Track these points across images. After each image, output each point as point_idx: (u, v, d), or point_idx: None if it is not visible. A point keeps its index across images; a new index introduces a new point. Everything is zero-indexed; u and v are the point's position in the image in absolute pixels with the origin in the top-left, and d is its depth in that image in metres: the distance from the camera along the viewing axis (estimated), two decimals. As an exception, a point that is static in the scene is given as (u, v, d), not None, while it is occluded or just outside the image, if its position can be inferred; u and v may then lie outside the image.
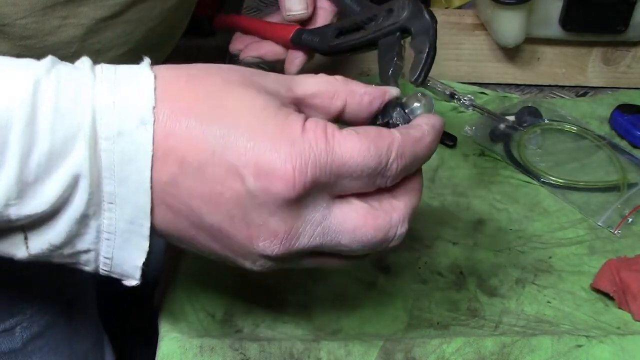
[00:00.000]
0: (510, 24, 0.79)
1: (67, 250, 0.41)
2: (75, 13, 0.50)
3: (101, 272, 0.42)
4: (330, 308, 0.59)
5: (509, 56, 0.85)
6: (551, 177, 0.72)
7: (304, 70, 0.70)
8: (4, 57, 0.39)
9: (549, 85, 0.87)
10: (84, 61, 0.40)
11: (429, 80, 0.83)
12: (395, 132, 0.42)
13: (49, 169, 0.37)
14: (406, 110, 0.46)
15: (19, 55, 0.50)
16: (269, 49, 0.70)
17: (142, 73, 0.40)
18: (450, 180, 0.72)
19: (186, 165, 0.39)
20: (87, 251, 0.41)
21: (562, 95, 0.86)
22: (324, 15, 0.68)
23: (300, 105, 0.43)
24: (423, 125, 0.44)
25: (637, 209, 0.68)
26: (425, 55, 0.53)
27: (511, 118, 0.78)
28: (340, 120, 0.45)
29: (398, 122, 0.46)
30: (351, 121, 0.46)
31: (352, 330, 0.57)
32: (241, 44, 0.72)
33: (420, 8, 0.55)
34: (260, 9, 0.96)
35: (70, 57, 0.52)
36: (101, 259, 0.41)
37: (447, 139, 0.76)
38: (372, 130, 0.41)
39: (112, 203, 0.39)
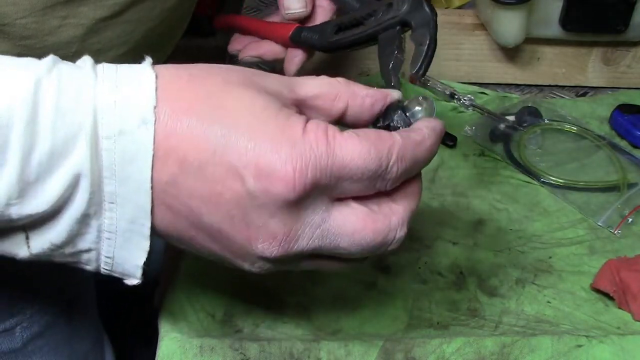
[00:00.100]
0: (510, 24, 0.79)
1: (68, 250, 0.41)
2: (75, 13, 0.50)
3: (102, 271, 0.42)
4: (330, 308, 0.59)
5: (509, 56, 0.85)
6: (551, 177, 0.72)
7: (304, 69, 0.70)
8: (5, 57, 0.39)
9: (549, 85, 0.87)
10: (85, 60, 0.40)
11: (428, 80, 0.83)
12: (396, 135, 0.42)
13: (50, 168, 0.37)
14: (407, 114, 0.46)
15: (19, 55, 0.50)
16: (268, 49, 0.70)
17: (144, 72, 0.40)
18: (450, 181, 0.72)
19: (187, 165, 0.39)
20: (88, 250, 0.41)
21: (562, 95, 0.86)
22: (323, 14, 0.68)
23: (301, 107, 0.43)
24: (424, 129, 0.44)
25: (637, 209, 0.68)
26: (426, 47, 0.53)
27: (511, 118, 0.78)
28: (342, 122, 0.45)
29: (399, 125, 0.46)
30: (352, 123, 0.46)
31: (352, 330, 0.57)
32: (240, 44, 0.72)
33: (420, 1, 0.55)
34: (260, 8, 0.96)
35: (70, 57, 0.52)
36: (102, 258, 0.42)
37: (447, 139, 0.76)
38: (372, 132, 0.41)
39: (113, 203, 0.39)
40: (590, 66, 0.85)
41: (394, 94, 0.46)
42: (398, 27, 0.56)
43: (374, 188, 0.42)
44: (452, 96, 0.81)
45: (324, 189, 0.40)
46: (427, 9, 0.54)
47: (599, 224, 0.68)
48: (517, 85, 0.87)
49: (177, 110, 0.39)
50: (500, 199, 0.71)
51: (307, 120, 0.40)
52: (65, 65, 0.39)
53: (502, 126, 0.77)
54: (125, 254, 0.41)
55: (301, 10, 0.66)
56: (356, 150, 0.40)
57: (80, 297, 0.75)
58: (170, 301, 0.58)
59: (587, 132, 0.77)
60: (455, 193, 0.71)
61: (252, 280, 0.56)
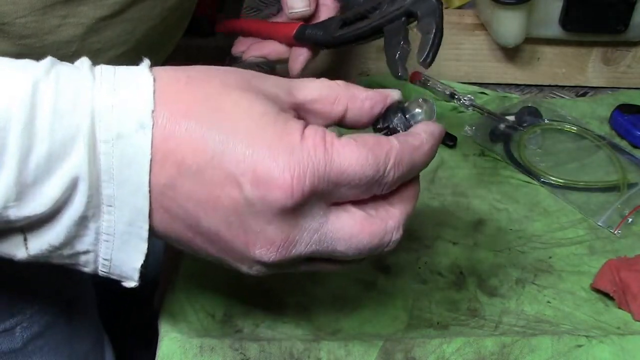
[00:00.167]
0: (510, 24, 0.79)
1: (66, 251, 0.41)
2: (75, 12, 0.50)
3: (100, 273, 0.43)
4: (330, 308, 0.59)
5: (509, 56, 0.85)
6: (551, 177, 0.72)
7: (308, 68, 0.69)
8: (3, 58, 0.39)
9: (549, 85, 0.87)
10: (83, 61, 0.40)
11: (428, 80, 0.83)
12: (393, 141, 0.42)
13: (48, 171, 0.37)
14: (407, 116, 0.46)
15: (18, 54, 0.50)
16: (272, 48, 0.70)
17: (141, 75, 0.40)
18: (450, 180, 0.72)
19: (185, 168, 0.39)
20: (86, 252, 0.41)
21: (562, 95, 0.86)
22: (327, 12, 0.67)
23: (300, 111, 0.43)
24: (422, 134, 0.44)
25: (637, 209, 0.68)
26: (432, 35, 0.53)
27: (511, 118, 0.78)
28: (341, 124, 0.45)
29: (399, 128, 0.46)
30: (352, 125, 0.46)
31: (352, 330, 0.57)
32: (243, 45, 0.72)
33: None
34: (260, 8, 0.96)
35: (70, 56, 0.52)
36: (100, 260, 0.42)
37: (447, 139, 0.76)
38: (370, 138, 0.41)
39: (110, 206, 0.39)
40: (590, 66, 0.85)
41: (394, 95, 0.46)
42: (403, 18, 0.56)
43: (371, 192, 0.42)
44: (452, 96, 0.81)
45: (321, 195, 0.40)
46: None
47: (599, 224, 0.68)
48: (517, 85, 0.87)
49: (175, 113, 0.39)
50: (500, 199, 0.71)
51: (305, 126, 0.40)
52: (63, 67, 0.39)
53: (502, 126, 0.77)
54: (123, 256, 0.41)
55: (305, 9, 0.66)
56: (354, 157, 0.40)
57: (79, 297, 0.75)
58: (170, 301, 0.58)
59: (587, 132, 0.77)
60: (455, 193, 0.71)
61: (251, 280, 0.56)
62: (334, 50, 0.84)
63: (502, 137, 0.77)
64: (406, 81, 0.54)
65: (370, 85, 0.83)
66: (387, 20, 0.57)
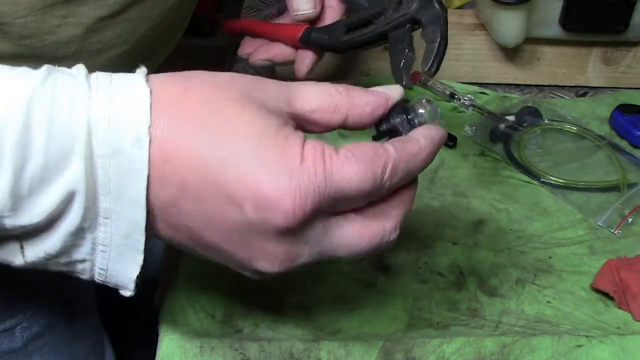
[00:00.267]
0: (510, 24, 0.79)
1: (63, 259, 0.41)
2: (75, 12, 0.50)
3: (97, 281, 0.43)
4: (330, 308, 0.59)
5: (509, 56, 0.85)
6: (551, 177, 0.72)
7: (314, 71, 0.69)
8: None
9: (549, 85, 0.87)
10: (80, 69, 0.40)
11: (428, 80, 0.83)
12: (390, 150, 0.42)
13: (43, 182, 0.37)
14: (410, 116, 0.46)
15: (18, 54, 0.50)
16: (279, 51, 0.70)
17: (138, 86, 0.39)
18: (450, 181, 0.72)
19: (186, 189, 0.39)
20: (82, 261, 0.41)
21: (562, 95, 0.86)
22: (332, 14, 0.67)
23: (299, 120, 0.43)
24: (421, 140, 0.44)
25: (637, 209, 0.68)
26: (437, 44, 0.52)
27: (511, 118, 0.78)
28: (342, 128, 0.45)
29: (401, 129, 0.46)
30: (353, 129, 0.46)
31: (352, 330, 0.57)
32: (250, 47, 0.72)
33: None
34: (260, 9, 0.96)
35: (70, 56, 0.52)
36: (96, 269, 0.42)
37: (447, 139, 0.76)
38: (368, 149, 0.41)
39: (107, 218, 0.39)
40: (590, 66, 0.85)
41: (395, 95, 0.46)
42: (408, 25, 0.55)
43: (369, 200, 0.43)
44: (452, 96, 0.81)
45: (322, 211, 0.41)
46: (436, 5, 0.54)
47: (599, 224, 0.68)
48: (517, 85, 0.87)
49: (173, 129, 0.39)
50: (500, 199, 0.71)
51: (304, 142, 0.40)
52: (59, 78, 0.39)
53: (502, 126, 0.77)
54: (119, 267, 0.41)
55: (310, 11, 0.66)
56: (352, 173, 0.40)
57: (79, 297, 0.75)
58: (170, 301, 0.58)
59: (587, 132, 0.77)
60: (455, 193, 0.71)
61: (252, 280, 0.56)
62: (338, 52, 0.84)
63: (502, 137, 0.76)
64: (411, 89, 0.53)
65: (370, 85, 0.83)
66: (392, 27, 0.56)
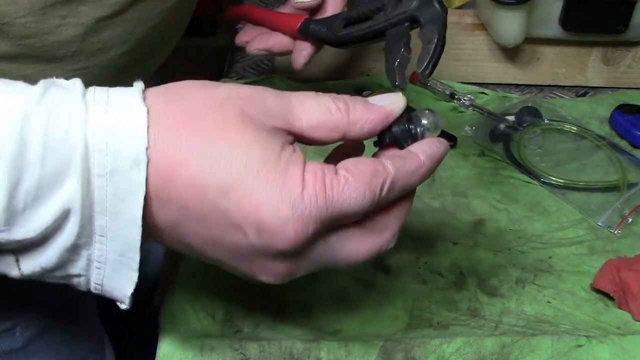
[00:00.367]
0: (510, 24, 0.79)
1: (58, 273, 0.41)
2: (75, 12, 0.50)
3: (93, 292, 0.43)
4: (330, 308, 0.59)
5: (509, 56, 0.85)
6: (551, 177, 0.72)
7: (311, 62, 0.68)
8: None
9: (549, 85, 0.87)
10: (76, 85, 0.40)
11: (428, 80, 0.83)
12: (389, 168, 0.42)
13: (38, 199, 0.37)
14: (411, 127, 0.46)
15: (18, 54, 0.50)
16: (277, 41, 0.68)
17: (134, 108, 0.39)
18: (450, 180, 0.72)
19: (188, 213, 0.40)
20: (78, 275, 0.41)
21: (562, 95, 0.86)
22: (334, 5, 0.66)
23: (297, 136, 0.43)
24: (421, 156, 0.44)
25: (637, 209, 0.68)
26: (433, 45, 0.52)
27: (511, 118, 0.78)
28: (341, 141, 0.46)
29: (401, 140, 0.45)
30: (353, 141, 0.46)
31: (352, 330, 0.57)
32: (248, 36, 0.71)
33: None
34: (263, 1, 0.96)
35: (70, 56, 0.52)
36: (92, 284, 0.42)
37: (447, 139, 0.76)
38: (368, 169, 0.42)
39: (103, 236, 0.40)
40: (590, 66, 0.85)
41: (397, 109, 0.45)
42: (407, 24, 0.55)
43: (366, 213, 0.43)
44: (452, 96, 0.81)
45: (323, 231, 0.42)
46: (437, 5, 0.53)
47: (599, 224, 0.68)
48: (517, 85, 0.87)
49: (171, 151, 0.39)
50: (500, 199, 0.71)
51: (304, 168, 0.40)
52: (56, 95, 0.39)
53: (502, 126, 0.77)
54: (114, 283, 0.42)
55: (311, 0, 0.66)
56: (352, 196, 0.41)
57: (79, 298, 0.75)
58: (170, 301, 0.58)
59: (587, 132, 0.77)
60: (455, 193, 0.71)
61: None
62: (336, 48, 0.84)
63: (502, 137, 0.76)
64: (404, 90, 0.53)
65: (370, 85, 0.83)
66: (391, 24, 0.56)
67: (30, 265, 0.40)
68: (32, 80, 0.52)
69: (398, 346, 0.54)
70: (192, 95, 0.41)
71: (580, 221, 0.68)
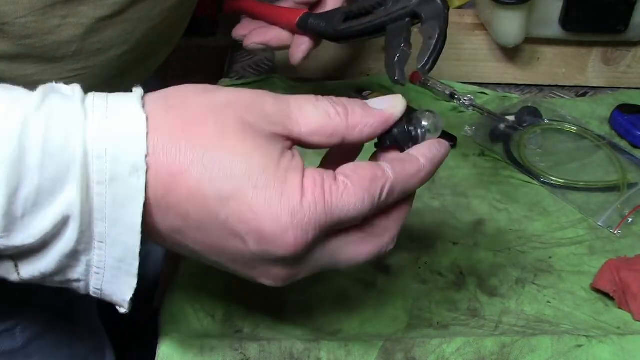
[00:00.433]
0: (510, 24, 0.79)
1: (58, 278, 0.41)
2: (75, 12, 0.50)
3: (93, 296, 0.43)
4: (330, 308, 0.59)
5: (509, 56, 0.85)
6: (551, 177, 0.72)
7: (309, 58, 0.67)
8: None
9: (549, 85, 0.87)
10: (75, 91, 0.40)
11: (428, 80, 0.83)
12: (389, 172, 0.42)
13: (37, 205, 0.37)
14: (411, 128, 0.45)
15: (18, 54, 0.50)
16: (275, 35, 0.67)
17: (134, 114, 0.39)
18: (450, 180, 0.72)
19: (189, 221, 0.40)
20: (77, 280, 0.41)
21: (562, 95, 0.86)
22: (334, 0, 0.66)
23: (295, 140, 0.43)
24: (420, 160, 0.44)
25: (637, 209, 0.68)
26: (434, 41, 0.51)
27: (511, 118, 0.78)
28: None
29: (401, 141, 0.45)
30: (353, 144, 0.46)
31: (352, 330, 0.57)
32: (245, 29, 0.70)
33: None
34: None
35: (70, 56, 0.52)
36: (91, 288, 0.42)
37: (447, 139, 0.76)
38: (367, 174, 0.42)
39: (102, 242, 0.40)
40: (590, 66, 0.86)
41: (397, 112, 0.45)
42: (407, 19, 0.54)
43: (366, 217, 0.43)
44: (452, 96, 0.81)
45: (323, 237, 0.42)
46: (438, 1, 0.53)
47: (599, 224, 0.68)
48: (517, 85, 0.87)
49: (171, 159, 0.39)
50: (500, 199, 0.71)
51: (303, 175, 0.40)
52: (55, 101, 0.39)
53: (502, 126, 0.77)
54: (113, 288, 0.42)
55: None
56: (351, 202, 0.41)
57: (79, 298, 0.75)
58: (170, 301, 0.58)
59: (587, 132, 0.77)
60: (455, 193, 0.71)
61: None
62: (336, 47, 0.83)
63: (502, 137, 0.77)
64: (403, 86, 0.52)
65: (370, 85, 0.83)
66: (391, 19, 0.55)
67: (29, 270, 0.40)
68: (32, 79, 0.52)
69: (398, 346, 0.54)
70: (191, 101, 0.41)
71: (580, 221, 0.68)
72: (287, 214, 0.39)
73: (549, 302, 0.60)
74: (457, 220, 0.68)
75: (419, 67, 0.51)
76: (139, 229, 0.39)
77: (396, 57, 0.52)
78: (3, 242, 0.38)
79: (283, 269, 0.42)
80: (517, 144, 0.75)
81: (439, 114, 0.47)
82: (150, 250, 0.96)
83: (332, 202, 0.40)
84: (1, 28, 0.48)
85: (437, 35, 0.51)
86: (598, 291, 0.61)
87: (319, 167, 0.48)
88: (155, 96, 0.41)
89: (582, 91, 0.87)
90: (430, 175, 0.45)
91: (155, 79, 0.89)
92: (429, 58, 0.51)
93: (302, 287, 0.59)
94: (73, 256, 0.39)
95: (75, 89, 0.40)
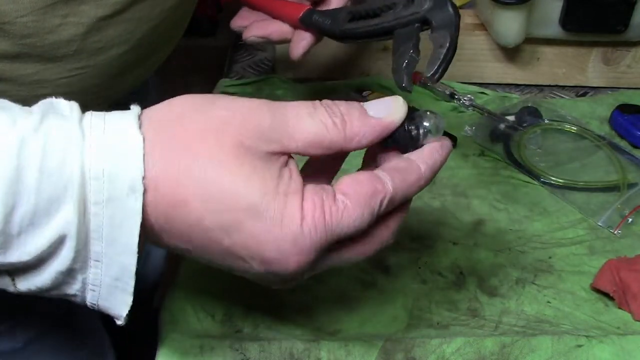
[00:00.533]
0: (510, 24, 0.79)
1: (54, 292, 0.41)
2: (76, 11, 0.50)
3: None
4: (330, 308, 0.59)
5: (509, 56, 0.85)
6: (551, 177, 0.72)
7: (310, 54, 0.66)
8: None
9: (549, 85, 0.87)
10: (73, 110, 0.40)
11: (429, 80, 0.83)
12: (388, 185, 0.42)
13: (34, 224, 0.38)
14: (412, 129, 0.45)
15: (19, 53, 0.50)
16: (276, 28, 0.65)
17: (131, 135, 0.39)
18: (450, 180, 0.72)
19: (192, 243, 0.41)
20: (74, 295, 0.42)
21: (562, 95, 0.86)
22: None
23: (294, 153, 0.43)
24: (421, 167, 0.44)
25: (637, 209, 0.68)
26: (445, 50, 0.50)
27: (511, 118, 0.78)
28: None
29: (403, 145, 0.45)
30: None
31: (352, 330, 0.57)
32: (245, 20, 0.67)
33: (444, 0, 0.53)
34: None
35: (71, 55, 0.52)
36: (87, 303, 0.42)
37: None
38: (366, 190, 0.41)
39: (98, 261, 0.40)
40: (590, 66, 0.86)
41: (395, 120, 0.44)
42: (417, 25, 0.54)
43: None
44: (452, 96, 0.81)
45: (325, 252, 0.42)
46: (450, 9, 0.52)
47: (599, 224, 0.68)
48: (517, 85, 0.87)
49: (167, 183, 0.39)
50: (500, 199, 0.71)
51: (303, 198, 0.41)
52: (53, 121, 0.39)
53: (502, 126, 0.77)
54: (108, 304, 0.42)
55: None
56: (351, 220, 0.41)
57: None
58: (170, 301, 0.58)
59: (587, 132, 0.77)
60: (455, 193, 0.71)
61: (251, 281, 0.56)
62: (337, 47, 0.83)
63: (502, 137, 0.76)
64: (410, 93, 0.51)
65: (370, 85, 0.83)
66: (400, 23, 0.54)
67: (26, 284, 0.40)
68: (32, 79, 0.52)
69: (398, 346, 0.54)
70: (187, 121, 0.41)
71: (580, 221, 0.68)
72: (288, 240, 0.40)
73: (549, 302, 0.60)
74: (457, 220, 0.68)
75: (428, 75, 0.51)
76: (135, 249, 0.40)
77: (404, 64, 0.52)
78: None
79: (286, 281, 0.44)
80: (517, 144, 0.75)
81: (441, 115, 0.46)
82: (151, 250, 0.96)
83: (333, 223, 0.41)
84: (2, 27, 0.48)
85: (448, 44, 0.51)
86: (598, 291, 0.61)
87: (305, 163, 0.49)
88: (151, 114, 0.41)
89: (582, 91, 0.87)
90: (429, 182, 0.45)
91: (155, 79, 0.90)
92: (438, 67, 0.51)
93: (302, 287, 0.60)
94: (69, 274, 0.40)
95: (74, 107, 0.40)
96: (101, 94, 0.58)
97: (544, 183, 0.72)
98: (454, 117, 0.81)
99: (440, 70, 0.51)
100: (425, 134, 0.45)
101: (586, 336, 0.55)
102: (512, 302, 0.60)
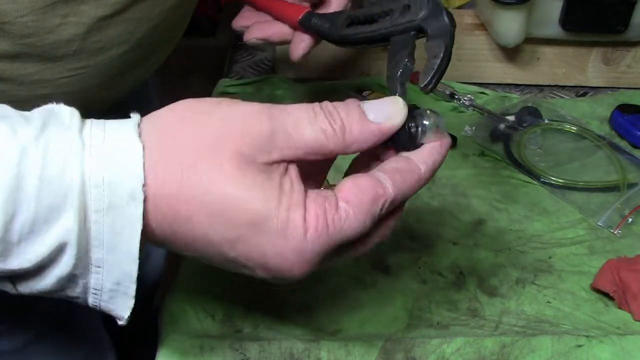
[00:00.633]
0: (510, 24, 0.79)
1: (56, 295, 0.41)
2: (76, 11, 0.50)
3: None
4: (330, 308, 0.59)
5: (509, 56, 0.85)
6: (551, 177, 0.72)
7: (310, 55, 0.66)
8: None
9: (549, 85, 0.87)
10: (74, 118, 0.40)
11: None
12: (389, 189, 0.42)
13: (34, 232, 0.38)
14: (412, 128, 0.45)
15: (19, 53, 0.50)
16: (276, 30, 0.66)
17: (131, 143, 0.39)
18: (450, 180, 0.72)
19: (197, 252, 0.42)
20: (76, 297, 0.42)
21: (562, 95, 0.86)
22: (339, 0, 0.65)
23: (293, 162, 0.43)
24: (421, 168, 0.44)
25: (637, 209, 0.68)
26: (439, 60, 0.50)
27: (511, 118, 0.78)
28: None
29: (403, 145, 0.45)
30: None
31: (352, 330, 0.57)
32: (247, 20, 0.68)
33: (440, 9, 0.52)
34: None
35: (71, 55, 0.52)
36: (89, 304, 0.42)
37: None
38: (367, 198, 0.42)
39: (99, 267, 0.40)
40: (590, 66, 0.85)
41: (395, 125, 0.44)
42: (413, 33, 0.54)
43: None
44: (452, 96, 0.81)
45: (328, 257, 0.42)
46: (445, 18, 0.52)
47: (599, 224, 0.68)
48: (517, 85, 0.87)
49: (167, 191, 0.39)
50: (500, 199, 0.71)
51: (305, 209, 0.41)
52: (54, 130, 0.39)
53: (502, 126, 0.77)
54: (110, 306, 0.42)
55: None
56: (353, 227, 0.41)
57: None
58: (171, 301, 0.58)
59: (587, 132, 0.77)
60: (455, 193, 0.71)
61: (252, 280, 0.56)
62: (337, 48, 0.83)
63: (502, 137, 0.77)
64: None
65: (370, 85, 0.83)
66: (397, 30, 0.54)
67: (27, 288, 0.40)
68: (32, 78, 0.52)
69: (398, 346, 0.54)
70: (187, 128, 0.41)
71: (580, 221, 0.68)
72: (293, 251, 0.40)
73: (549, 302, 0.60)
74: (457, 220, 0.68)
75: (422, 85, 0.51)
76: (136, 255, 0.40)
77: (399, 72, 0.52)
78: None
79: (291, 283, 0.44)
80: (517, 144, 0.75)
81: (441, 114, 0.46)
82: (151, 250, 0.96)
83: (335, 232, 0.41)
84: (2, 27, 0.48)
85: (442, 55, 0.51)
86: (598, 291, 0.61)
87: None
88: (151, 121, 0.41)
89: (582, 91, 0.87)
90: (428, 181, 0.45)
91: (155, 79, 0.90)
92: (432, 77, 0.51)
93: (302, 287, 0.60)
94: (70, 279, 0.40)
95: (74, 114, 0.40)
96: (101, 94, 0.58)
97: (544, 183, 0.72)
98: (454, 117, 0.81)
99: (433, 81, 0.51)
100: (425, 133, 0.45)
101: (586, 336, 0.55)
102: (512, 302, 0.60)
